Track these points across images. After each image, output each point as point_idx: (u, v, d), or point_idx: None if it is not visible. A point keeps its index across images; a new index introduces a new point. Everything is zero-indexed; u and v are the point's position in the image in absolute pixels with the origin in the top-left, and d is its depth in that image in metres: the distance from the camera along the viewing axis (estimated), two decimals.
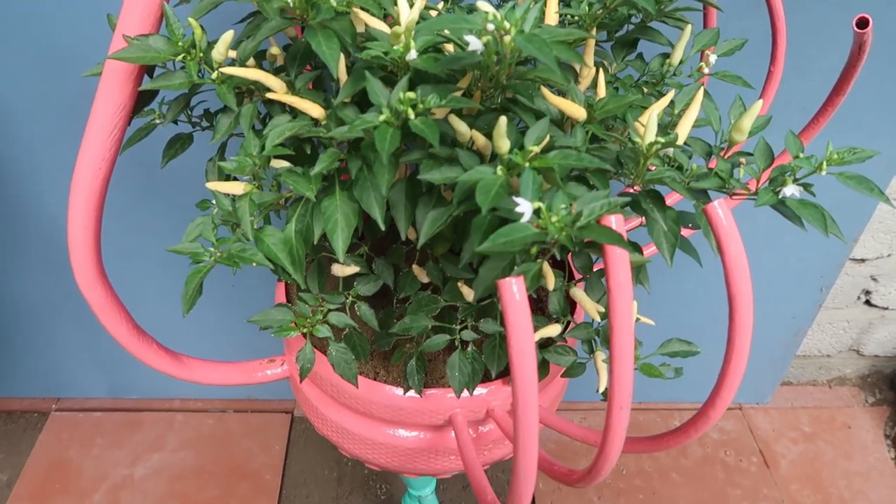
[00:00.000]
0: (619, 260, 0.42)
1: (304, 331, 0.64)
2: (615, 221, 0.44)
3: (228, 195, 0.59)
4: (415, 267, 0.70)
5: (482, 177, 0.47)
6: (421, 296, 0.70)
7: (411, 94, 0.47)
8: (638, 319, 0.70)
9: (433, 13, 0.70)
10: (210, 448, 1.66)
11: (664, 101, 0.60)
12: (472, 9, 0.47)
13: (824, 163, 0.50)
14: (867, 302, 1.73)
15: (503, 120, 0.47)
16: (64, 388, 1.75)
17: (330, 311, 0.67)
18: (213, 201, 0.74)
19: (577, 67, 0.65)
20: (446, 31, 0.43)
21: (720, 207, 0.46)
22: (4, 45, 1.16)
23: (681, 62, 0.70)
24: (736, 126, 0.55)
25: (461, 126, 0.51)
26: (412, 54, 0.51)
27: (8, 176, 1.35)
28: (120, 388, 1.74)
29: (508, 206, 0.46)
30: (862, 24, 0.64)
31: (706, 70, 0.69)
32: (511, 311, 0.41)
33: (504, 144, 0.49)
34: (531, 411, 0.44)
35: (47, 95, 1.22)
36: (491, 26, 0.43)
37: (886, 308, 1.74)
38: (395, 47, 0.52)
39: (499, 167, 0.48)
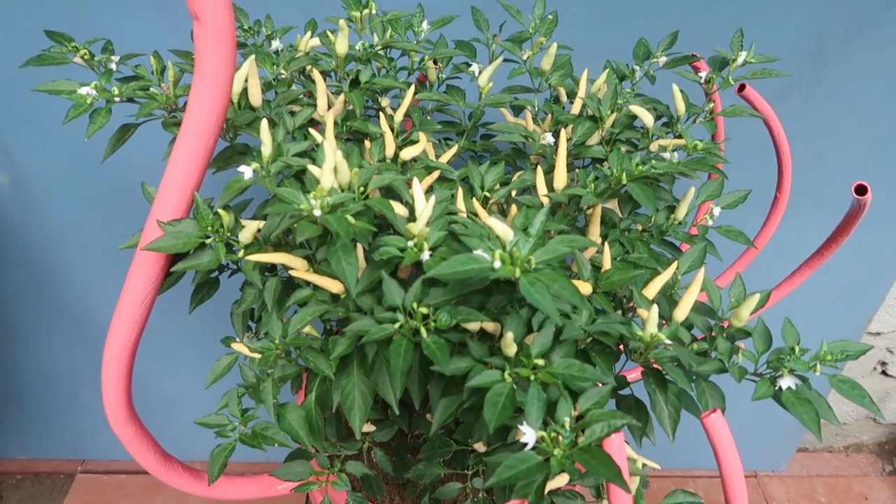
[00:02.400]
0: (618, 489, 0.45)
1: (323, 485, 0.67)
2: (616, 445, 0.46)
3: (252, 367, 0.62)
4: (428, 415, 0.73)
5: (490, 382, 0.50)
6: (434, 436, 0.73)
7: (423, 310, 0.50)
8: (644, 465, 0.72)
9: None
10: None
11: (668, 274, 0.63)
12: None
13: (818, 364, 0.52)
14: (883, 372, 1.73)
15: (510, 336, 0.50)
16: (89, 450, 1.79)
17: (347, 458, 0.70)
18: (238, 338, 0.78)
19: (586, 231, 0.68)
20: (458, 269, 0.46)
21: (717, 420, 0.49)
22: (39, 144, 1.21)
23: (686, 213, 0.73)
24: (735, 314, 0.57)
25: (471, 326, 0.54)
26: (425, 255, 0.54)
27: (38, 258, 1.40)
28: None
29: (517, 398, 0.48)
30: (861, 190, 0.66)
31: (710, 223, 0.72)
32: None
33: (511, 350, 0.52)
34: None
35: (75, 188, 1.28)
36: (498, 264, 0.46)
37: None
38: (409, 243, 0.56)
39: (506, 372, 0.51)
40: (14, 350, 1.58)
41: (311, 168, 0.54)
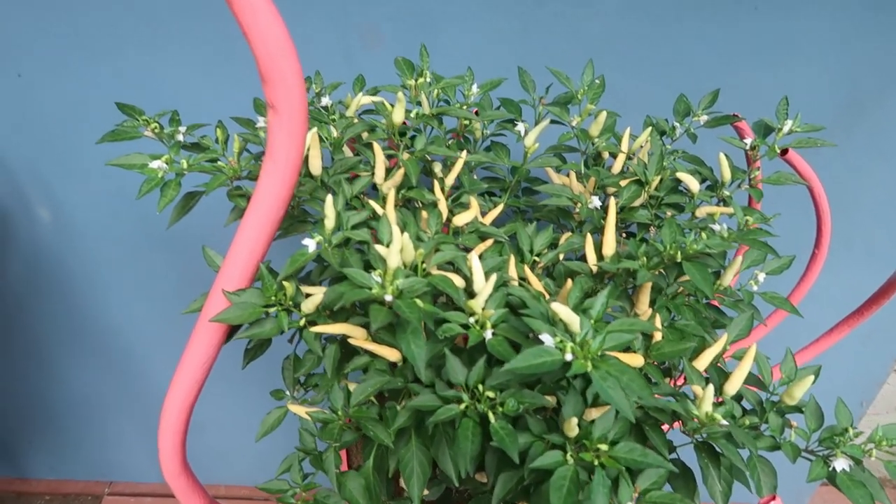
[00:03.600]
0: None
1: None
2: None
3: (306, 425, 0.64)
4: (478, 475, 0.75)
5: (554, 465, 0.52)
6: (481, 497, 0.74)
7: (490, 394, 0.52)
8: None
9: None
10: None
11: (718, 347, 0.64)
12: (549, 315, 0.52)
13: (873, 450, 0.53)
14: None
15: (573, 421, 0.51)
16: (116, 472, 1.82)
17: None
18: (287, 392, 0.80)
19: (634, 298, 0.69)
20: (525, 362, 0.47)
21: None
22: (79, 180, 1.24)
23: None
24: (788, 393, 0.59)
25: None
26: (488, 334, 0.56)
27: (75, 288, 1.43)
28: None
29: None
30: None
31: (755, 288, 0.73)
32: None
33: (573, 432, 0.53)
34: None
35: (113, 223, 1.30)
36: (570, 356, 0.47)
37: None
38: (470, 320, 0.57)
39: (568, 453, 0.52)
40: (48, 375, 1.61)
41: (378, 248, 0.56)
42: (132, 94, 1.17)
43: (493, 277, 0.57)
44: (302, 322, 0.63)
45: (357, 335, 0.63)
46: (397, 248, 0.55)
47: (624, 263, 0.64)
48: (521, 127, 0.82)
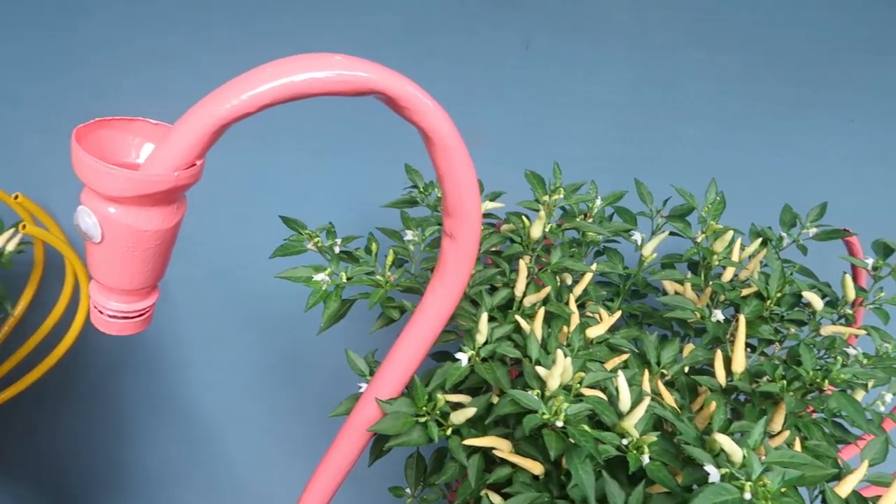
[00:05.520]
0: None
1: None
2: None
3: None
4: None
5: None
6: None
7: None
8: None
9: None
10: None
11: (860, 473, 0.64)
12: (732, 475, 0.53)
13: None
14: None
15: None
16: None
17: None
18: (407, 490, 0.81)
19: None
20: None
21: None
22: (184, 262, 1.30)
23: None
24: None
25: None
26: (645, 459, 0.58)
27: (165, 364, 1.48)
28: None
29: None
30: None
31: (882, 409, 0.74)
32: None
33: None
34: None
35: (211, 303, 1.36)
36: (748, 496, 0.49)
37: None
38: (624, 441, 0.59)
39: None
40: (124, 446, 1.64)
41: (539, 369, 0.59)
42: (244, 181, 1.24)
43: (646, 400, 0.59)
44: (449, 432, 0.66)
45: (503, 447, 0.65)
46: (559, 372, 0.58)
47: (764, 387, 0.65)
48: (637, 236, 0.85)
